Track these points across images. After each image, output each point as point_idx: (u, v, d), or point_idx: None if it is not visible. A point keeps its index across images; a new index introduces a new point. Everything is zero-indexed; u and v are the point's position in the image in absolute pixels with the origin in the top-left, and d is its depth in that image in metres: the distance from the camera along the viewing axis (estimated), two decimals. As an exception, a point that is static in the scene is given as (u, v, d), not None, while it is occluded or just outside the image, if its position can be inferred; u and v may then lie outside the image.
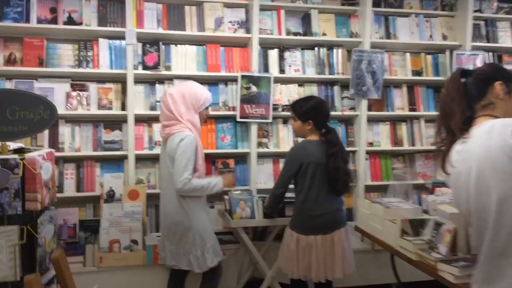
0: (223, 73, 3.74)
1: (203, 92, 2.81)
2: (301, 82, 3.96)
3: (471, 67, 3.98)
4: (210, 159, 3.72)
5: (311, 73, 3.93)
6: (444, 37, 4.20)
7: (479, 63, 4.07)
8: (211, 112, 3.63)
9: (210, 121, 3.75)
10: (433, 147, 4.02)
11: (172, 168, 2.69)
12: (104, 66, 3.54)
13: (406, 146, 4.12)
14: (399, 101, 4.13)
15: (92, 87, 3.57)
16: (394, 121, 4.16)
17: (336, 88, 4.00)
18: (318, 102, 2.95)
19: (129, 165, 3.52)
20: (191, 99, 2.73)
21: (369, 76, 3.91)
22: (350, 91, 3.90)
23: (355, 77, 3.88)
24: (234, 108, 3.75)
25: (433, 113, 4.16)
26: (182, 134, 2.66)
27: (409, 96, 4.14)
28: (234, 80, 3.74)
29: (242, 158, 3.87)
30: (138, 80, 3.62)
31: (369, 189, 4.04)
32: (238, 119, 3.68)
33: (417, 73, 4.17)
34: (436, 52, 4.22)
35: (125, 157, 3.56)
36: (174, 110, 2.70)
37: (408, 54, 4.15)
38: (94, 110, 3.54)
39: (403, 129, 4.15)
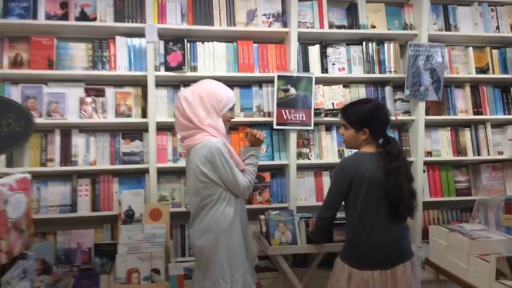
0: (256, 73, 3.26)
1: (224, 90, 2.33)
2: (346, 83, 3.43)
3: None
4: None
5: (358, 72, 3.40)
6: (513, 28, 3.60)
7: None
8: (244, 119, 3.17)
9: (242, 129, 3.26)
10: (502, 157, 3.50)
11: (199, 185, 2.22)
12: (122, 68, 3.12)
13: (470, 156, 3.53)
14: (462, 103, 3.55)
15: (109, 91, 3.15)
16: (456, 126, 3.58)
17: (388, 89, 3.46)
18: (376, 106, 2.41)
19: (150, 180, 3.07)
20: (211, 99, 2.25)
21: (428, 74, 3.35)
22: (405, 92, 3.35)
23: (411, 75, 3.33)
24: (270, 114, 3.26)
25: (501, 116, 3.58)
26: (206, 144, 2.19)
27: (473, 97, 3.56)
28: (269, 81, 3.26)
29: (279, 171, 3.38)
30: (160, 83, 3.18)
31: (427, 206, 3.48)
32: (275, 126, 3.19)
33: (482, 70, 3.58)
34: (503, 46, 3.62)
35: (146, 171, 3.11)
36: (192, 116, 2.23)
37: (471, 49, 3.57)
38: (111, 118, 3.12)
39: (466, 135, 3.56)
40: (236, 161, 2.28)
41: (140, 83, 3.16)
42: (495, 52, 3.58)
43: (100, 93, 3.13)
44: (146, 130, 3.09)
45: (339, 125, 3.37)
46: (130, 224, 2.95)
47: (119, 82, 3.19)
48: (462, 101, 3.55)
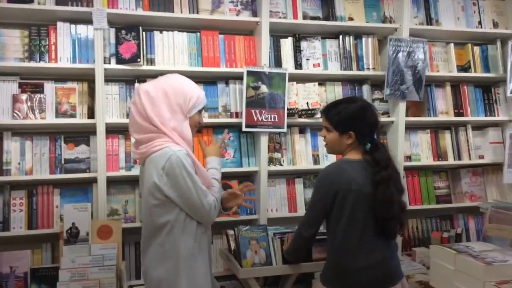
0: (223, 68, 2.87)
1: (195, 88, 1.94)
2: (322, 80, 3.10)
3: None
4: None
5: (334, 68, 3.08)
6: (495, 24, 3.38)
7: (541, 56, 3.27)
8: (208, 120, 2.77)
9: (206, 131, 2.88)
10: (483, 161, 3.28)
11: (152, 202, 1.81)
12: (64, 60, 2.65)
13: (451, 160, 3.29)
14: (442, 104, 3.31)
15: (48, 87, 2.67)
16: (436, 128, 3.33)
17: (366, 88, 3.16)
18: (363, 106, 2.10)
19: (99, 191, 2.62)
20: (177, 97, 1.85)
21: (409, 72, 3.07)
22: (384, 91, 3.06)
23: (391, 73, 3.04)
24: (238, 114, 2.88)
25: (482, 118, 3.36)
26: (165, 152, 1.79)
27: (454, 98, 3.32)
28: (237, 77, 2.88)
29: (248, 179, 3.00)
30: (111, 78, 2.74)
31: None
32: (244, 129, 2.81)
33: (463, 68, 3.35)
34: (484, 43, 3.41)
35: (93, 181, 2.66)
36: (153, 116, 1.82)
37: (452, 45, 3.33)
38: (50, 118, 2.64)
39: (446, 138, 3.32)
40: (202, 176, 1.89)
41: (87, 78, 2.70)
42: (476, 49, 3.35)
43: (38, 89, 2.65)
44: (94, 133, 2.64)
45: (313, 127, 3.08)
46: (74, 244, 2.50)
47: (60, 76, 2.72)
48: (442, 101, 3.31)
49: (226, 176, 2.90)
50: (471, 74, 3.31)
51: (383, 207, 1.95)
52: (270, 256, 2.42)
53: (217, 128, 2.89)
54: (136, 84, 2.69)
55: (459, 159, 3.31)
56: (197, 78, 2.84)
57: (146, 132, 1.84)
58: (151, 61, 2.75)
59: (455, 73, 3.29)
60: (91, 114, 2.70)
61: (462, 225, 3.35)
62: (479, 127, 3.42)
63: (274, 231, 2.58)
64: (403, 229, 2.10)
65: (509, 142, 3.24)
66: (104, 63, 2.64)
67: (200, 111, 1.97)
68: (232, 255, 2.51)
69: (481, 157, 3.36)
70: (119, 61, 2.68)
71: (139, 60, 2.67)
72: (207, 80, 2.90)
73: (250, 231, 2.46)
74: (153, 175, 1.78)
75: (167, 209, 1.81)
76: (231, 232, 2.60)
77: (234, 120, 2.87)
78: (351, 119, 2.05)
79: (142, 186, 1.91)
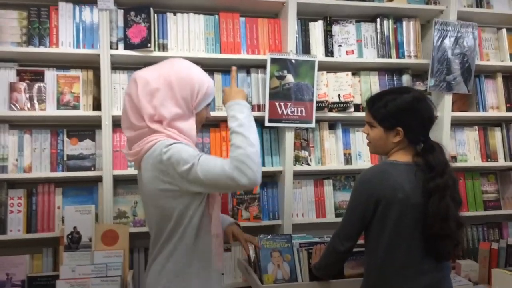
0: (244, 55, 2.55)
1: (203, 77, 1.60)
2: (355, 69, 2.75)
3: None
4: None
5: (370, 56, 2.72)
6: (555, 6, 2.97)
7: None
8: (224, 113, 2.45)
9: (225, 126, 2.56)
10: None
11: (161, 202, 1.51)
12: (67, 44, 2.38)
13: (501, 161, 2.90)
14: (493, 97, 2.92)
15: (49, 75, 2.40)
16: (485, 125, 2.94)
17: (406, 78, 2.79)
18: (416, 97, 1.74)
19: (104, 191, 2.34)
20: (184, 89, 1.53)
21: (456, 60, 2.69)
22: (428, 82, 2.68)
23: (436, 61, 2.66)
24: (260, 107, 2.56)
25: (538, 114, 2.94)
26: (159, 144, 1.48)
27: (506, 90, 2.92)
28: (260, 66, 2.55)
29: (271, 180, 2.69)
30: (119, 66, 2.46)
31: (450, 222, 2.83)
32: (267, 123, 2.49)
33: (516, 57, 2.95)
34: (541, 29, 3.00)
35: (99, 180, 2.38)
36: (152, 112, 1.51)
37: (504, 31, 2.93)
38: (52, 110, 2.37)
39: (497, 136, 2.93)
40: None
41: (91, 65, 2.42)
42: (532, 35, 2.95)
43: (38, 77, 2.38)
44: (100, 127, 2.36)
45: (345, 123, 2.74)
46: (76, 251, 2.23)
47: (62, 63, 2.44)
48: (493, 94, 2.92)
49: (246, 177, 2.59)
50: (526, 63, 2.91)
51: (436, 222, 1.61)
52: (295, 271, 2.09)
53: (237, 123, 2.57)
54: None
55: (511, 160, 2.91)
56: (215, 66, 2.56)
57: (140, 128, 1.53)
58: (163, 47, 2.45)
59: (507, 63, 2.89)
60: (96, 105, 2.42)
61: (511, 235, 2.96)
62: (534, 124, 3.02)
63: (299, 239, 2.26)
64: (459, 249, 1.74)
65: None
66: (111, 48, 2.36)
67: (208, 105, 1.65)
68: (251, 268, 2.20)
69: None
70: (128, 46, 2.39)
71: (149, 45, 2.37)
72: (225, 69, 2.57)
73: (273, 241, 2.15)
74: (156, 172, 1.47)
75: (184, 200, 1.49)
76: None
77: (256, 113, 2.54)
78: (400, 113, 1.71)
79: (144, 197, 1.60)
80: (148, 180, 1.50)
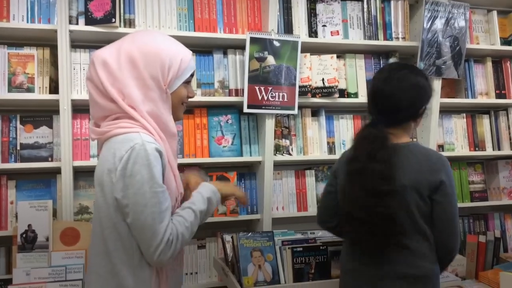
0: (220, 34, 2.32)
1: (175, 48, 1.36)
2: (341, 52, 2.55)
3: None
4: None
5: (356, 37, 2.52)
6: (546, -11, 2.84)
7: None
8: (201, 98, 2.24)
9: (199, 112, 2.33)
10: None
11: (103, 204, 1.27)
12: (19, 18, 2.10)
13: (489, 150, 2.77)
14: (482, 83, 2.77)
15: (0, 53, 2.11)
16: (473, 112, 2.80)
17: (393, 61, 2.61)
18: None
19: (63, 184, 2.09)
20: (151, 66, 1.29)
21: (447, 43, 2.52)
22: (418, 66, 2.51)
23: (426, 44, 2.49)
24: (238, 92, 2.34)
25: (527, 101, 2.82)
26: (128, 139, 1.24)
27: (496, 76, 2.78)
28: (238, 46, 2.33)
29: (249, 170, 2.48)
30: (79, 43, 2.19)
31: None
32: (245, 110, 2.27)
33: (506, 41, 2.80)
34: (532, 12, 2.86)
35: (57, 171, 2.12)
36: (112, 92, 1.27)
37: (495, 13, 2.77)
38: (2, 93, 2.10)
39: (485, 124, 2.79)
40: (170, 187, 1.31)
41: (48, 42, 2.15)
42: (523, 18, 2.81)
43: (-15, 55, 2.10)
44: (57, 112, 2.10)
45: (329, 109, 2.55)
46: (31, 251, 1.98)
47: (15, 40, 2.16)
48: (482, 80, 2.77)
49: (222, 168, 2.40)
50: (517, 48, 2.77)
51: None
52: (278, 272, 1.91)
53: (213, 109, 2.35)
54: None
55: (499, 149, 2.78)
56: (188, 45, 2.25)
57: (105, 112, 1.30)
58: (129, 23, 2.19)
59: (498, 47, 2.75)
60: (54, 88, 2.16)
61: (498, 226, 2.85)
62: (522, 111, 2.89)
63: (281, 236, 2.08)
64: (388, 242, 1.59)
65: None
66: (70, 23, 2.10)
67: (187, 82, 1.41)
68: (229, 268, 2.00)
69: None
70: (89, 21, 2.12)
71: (114, 20, 2.11)
72: (200, 49, 2.35)
73: (253, 239, 1.95)
74: (108, 163, 1.23)
75: (118, 218, 1.25)
76: (228, 237, 2.08)
77: (233, 98, 2.33)
78: None
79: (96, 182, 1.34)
80: (100, 171, 1.27)
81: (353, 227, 1.54)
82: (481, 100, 2.74)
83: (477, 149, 2.75)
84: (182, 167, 2.25)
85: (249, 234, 1.96)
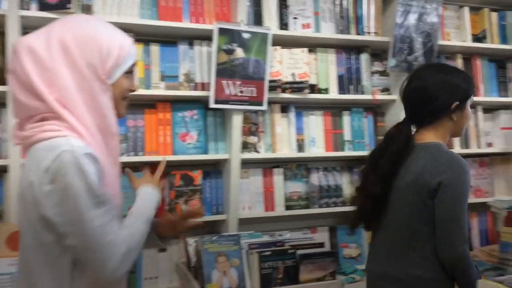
0: (186, 24, 2.18)
1: (114, 33, 1.21)
2: (312, 46, 2.45)
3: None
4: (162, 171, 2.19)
5: (328, 31, 2.43)
6: (517, -14, 2.82)
7: None
8: (165, 92, 2.12)
9: (163, 107, 2.20)
10: (491, 149, 2.77)
11: (25, 222, 1.12)
12: (-39, 0, 1.89)
13: (457, 148, 2.75)
14: (452, 80, 2.73)
15: None
16: (442, 110, 2.77)
17: (365, 57, 2.54)
18: None
19: (11, 184, 1.91)
20: (85, 51, 1.13)
21: (420, 39, 2.47)
22: (389, 62, 2.45)
23: (398, 39, 2.43)
24: (204, 86, 2.21)
25: (495, 99, 2.82)
26: (54, 145, 1.07)
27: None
28: (205, 37, 2.19)
29: (215, 168, 2.37)
30: (31, 31, 1.98)
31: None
32: (212, 105, 2.15)
33: (477, 38, 2.78)
34: (502, 9, 2.84)
35: (3, 170, 1.95)
36: (39, 85, 1.10)
37: (466, 9, 2.74)
38: None
39: (453, 122, 2.76)
40: (114, 194, 1.18)
41: (-5, 28, 1.95)
42: (494, 15, 2.79)
43: None
44: (5, 105, 1.93)
45: (299, 105, 2.46)
46: (-25, 258, 1.82)
47: (-44, 24, 1.95)
48: (452, 77, 2.74)
49: (187, 165, 2.26)
50: (487, 45, 2.75)
51: None
52: (244, 278, 1.82)
53: (177, 104, 2.22)
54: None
55: (467, 146, 2.77)
56: (151, 35, 2.19)
57: (30, 111, 1.12)
58: (87, 9, 2.02)
59: (468, 43, 2.72)
60: (1, 78, 1.97)
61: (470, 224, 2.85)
62: (489, 109, 2.89)
63: (248, 238, 2.00)
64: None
65: (524, 129, 2.74)
66: (21, 8, 1.91)
67: (129, 72, 1.24)
68: (191, 274, 1.89)
69: (490, 144, 2.84)
70: (43, 6, 1.94)
71: (69, 6, 1.93)
72: (164, 39, 2.20)
73: (218, 243, 1.86)
74: (31, 175, 1.07)
75: (46, 238, 1.09)
76: (191, 240, 1.98)
77: (199, 93, 2.20)
78: None
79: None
80: (23, 178, 1.12)
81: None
82: (450, 97, 2.71)
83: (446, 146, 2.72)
84: (143, 166, 2.15)
85: (214, 238, 1.86)
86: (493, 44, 2.76)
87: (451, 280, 1.49)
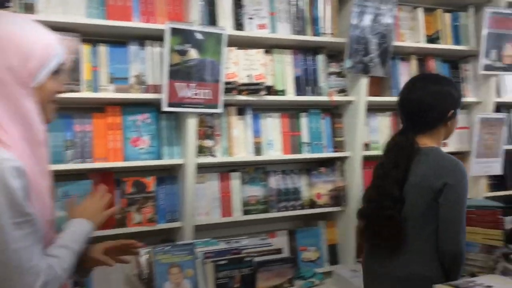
0: (136, 23, 2.09)
1: (36, 32, 1.10)
2: (268, 46, 2.41)
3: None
4: (113, 178, 2.09)
5: (284, 31, 2.39)
6: (469, -13, 2.87)
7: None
8: (115, 95, 2.02)
9: (112, 110, 2.10)
10: (446, 149, 2.78)
11: None
12: None
13: (413, 148, 2.77)
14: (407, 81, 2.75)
15: None
16: (396, 110, 2.78)
17: (321, 58, 2.52)
18: None
19: None
20: (6, 55, 1.02)
21: (375, 40, 2.46)
22: (345, 63, 2.44)
23: (354, 40, 2.41)
24: (157, 88, 2.13)
25: (449, 99, 2.85)
26: None
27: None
28: (157, 37, 2.10)
29: (169, 174, 2.29)
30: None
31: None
32: (165, 108, 2.07)
33: (431, 39, 2.81)
34: (456, 10, 2.88)
35: None
36: None
37: (420, 10, 2.76)
38: None
39: (409, 122, 2.78)
40: (42, 212, 1.08)
41: None
42: (447, 16, 2.82)
43: None
44: None
45: (256, 108, 2.41)
46: None
47: None
48: (407, 78, 2.70)
49: (139, 171, 2.17)
50: (440, 46, 2.78)
51: None
52: (199, 290, 1.76)
53: (128, 107, 2.12)
54: None
55: (422, 146, 2.80)
56: (99, 35, 2.08)
57: None
58: (29, 8, 1.89)
59: (422, 44, 2.74)
60: None
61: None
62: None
63: (203, 246, 1.93)
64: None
65: (477, 128, 2.79)
66: (-48, 5, 1.77)
67: (57, 72, 1.13)
68: (143, 287, 1.81)
69: (445, 144, 2.87)
70: (-22, 4, 1.81)
71: (9, 4, 1.81)
72: (113, 40, 2.10)
73: (171, 254, 1.78)
74: None
75: None
76: (143, 252, 1.88)
77: (151, 95, 2.11)
78: None
79: None
80: None
81: (368, 224, 1.74)
82: (406, 98, 2.72)
83: (401, 147, 2.74)
84: (91, 173, 2.04)
85: (167, 248, 1.78)
86: (446, 44, 2.79)
87: (446, 279, 1.59)
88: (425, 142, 1.70)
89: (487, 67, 2.77)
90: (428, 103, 1.67)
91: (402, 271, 1.64)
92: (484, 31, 2.74)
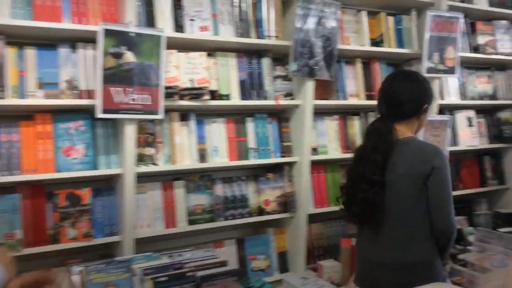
0: (67, 24, 1.95)
1: None
2: (211, 50, 2.32)
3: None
4: (44, 191, 1.94)
5: (227, 34, 2.32)
6: (408, -10, 2.90)
7: (458, 31, 2.86)
8: (44, 101, 1.89)
9: (42, 118, 1.95)
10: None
11: None
12: None
13: (360, 151, 2.76)
14: (352, 84, 2.74)
15: None
16: (345, 114, 2.77)
17: (266, 62, 2.46)
18: None
19: None
20: None
21: (319, 43, 2.43)
22: (290, 66, 2.39)
23: (298, 43, 2.37)
24: (90, 94, 1.99)
25: (394, 101, 2.86)
26: None
27: (365, 78, 2.77)
28: (90, 39, 1.97)
29: (106, 185, 2.15)
30: None
31: (312, 219, 2.61)
32: (100, 114, 1.93)
33: (375, 42, 2.81)
34: (398, 13, 2.90)
35: None
36: None
37: (364, 13, 2.76)
38: None
39: (355, 126, 2.78)
40: None
41: None
42: (390, 19, 2.83)
43: None
44: None
45: (200, 113, 2.32)
46: None
47: None
48: (353, 81, 2.74)
49: (73, 183, 2.02)
50: (385, 49, 2.78)
51: None
52: (137, 308, 1.63)
53: (59, 114, 1.97)
54: None
55: (369, 149, 2.79)
56: (25, 38, 1.93)
57: None
58: None
59: (367, 47, 2.74)
60: None
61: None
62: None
63: (143, 261, 1.80)
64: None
65: (422, 130, 2.79)
66: None
67: None
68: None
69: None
70: None
71: None
72: (41, 42, 1.96)
73: (106, 272, 1.65)
74: None
75: None
76: (76, 269, 1.74)
77: (84, 101, 1.98)
78: None
79: None
80: None
81: (353, 208, 1.83)
82: (352, 101, 2.71)
83: (349, 151, 2.71)
84: (19, 186, 1.88)
85: (101, 266, 1.65)
86: (390, 48, 2.80)
87: (442, 260, 1.78)
88: (401, 129, 1.82)
89: (430, 70, 2.80)
90: (407, 95, 1.82)
91: (401, 258, 1.75)
92: (427, 34, 2.77)
